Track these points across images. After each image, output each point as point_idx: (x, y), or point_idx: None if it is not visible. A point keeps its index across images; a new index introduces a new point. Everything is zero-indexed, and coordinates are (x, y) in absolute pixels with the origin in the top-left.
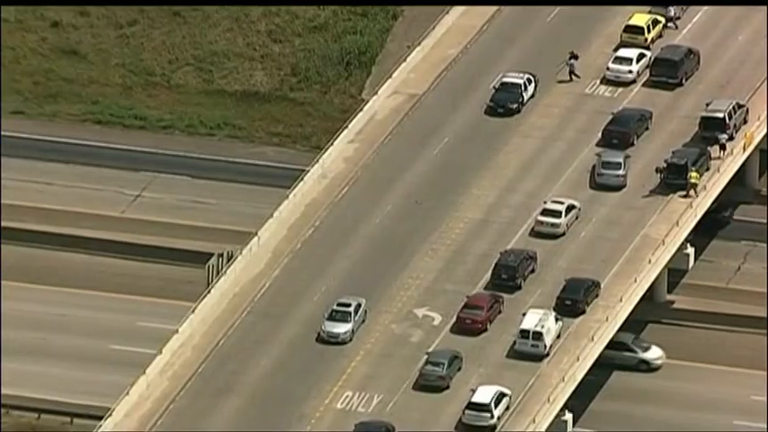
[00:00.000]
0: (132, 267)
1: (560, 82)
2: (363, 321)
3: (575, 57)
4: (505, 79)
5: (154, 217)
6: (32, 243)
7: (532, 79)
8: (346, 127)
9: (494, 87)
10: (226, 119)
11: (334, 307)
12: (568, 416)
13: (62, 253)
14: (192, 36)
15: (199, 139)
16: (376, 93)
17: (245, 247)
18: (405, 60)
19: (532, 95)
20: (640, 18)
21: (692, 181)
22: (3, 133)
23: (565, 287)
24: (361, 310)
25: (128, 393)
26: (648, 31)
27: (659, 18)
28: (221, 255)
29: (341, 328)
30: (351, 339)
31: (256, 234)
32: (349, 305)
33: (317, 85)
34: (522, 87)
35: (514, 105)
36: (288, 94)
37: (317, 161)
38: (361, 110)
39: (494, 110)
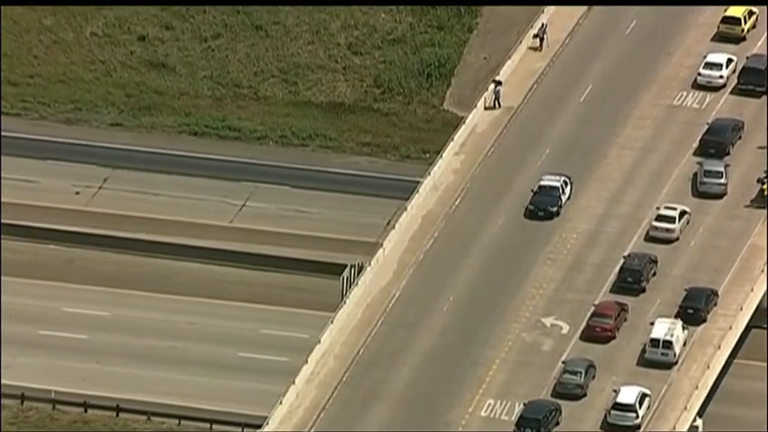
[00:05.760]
0: (246, 276)
1: (487, 108)
2: None
3: (499, 83)
4: (543, 182)
5: (261, 226)
6: (147, 253)
7: (568, 181)
8: (452, 140)
9: (532, 190)
10: (316, 129)
11: None
12: (699, 421)
13: (177, 262)
14: (274, 49)
15: (293, 150)
16: (475, 106)
17: (373, 258)
18: (497, 74)
19: (569, 197)
20: (737, 9)
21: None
22: (103, 144)
23: (686, 296)
24: None
25: (281, 403)
26: (744, 22)
27: (754, 9)
28: (353, 266)
29: None
30: None
31: (381, 245)
32: None
33: (399, 96)
34: (560, 190)
35: (554, 209)
36: (372, 105)
37: (429, 173)
38: (464, 123)
39: (534, 213)
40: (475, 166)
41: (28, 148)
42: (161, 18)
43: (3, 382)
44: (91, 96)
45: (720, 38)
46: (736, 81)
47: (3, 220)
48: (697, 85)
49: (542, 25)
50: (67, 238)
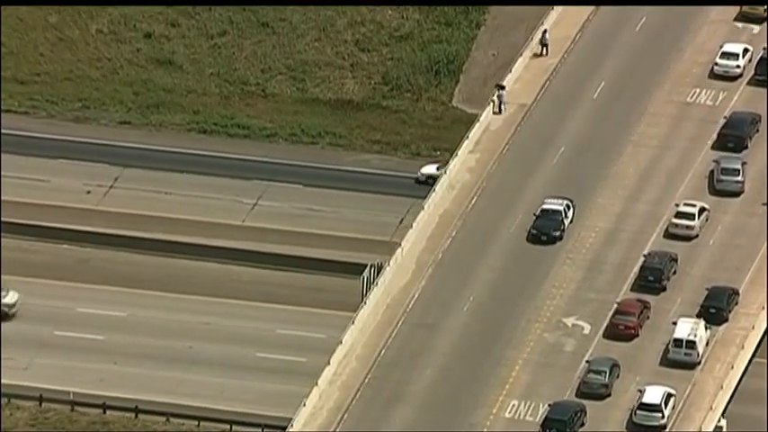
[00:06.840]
0: (262, 275)
1: (495, 114)
2: None
3: (502, 87)
4: (546, 206)
5: (275, 225)
6: (161, 252)
7: (571, 205)
8: (466, 138)
9: (534, 214)
10: (325, 127)
11: None
12: (723, 421)
13: (192, 262)
14: (281, 46)
15: (303, 148)
16: (488, 104)
17: (391, 258)
18: (510, 71)
19: (571, 221)
20: None
21: None
22: (112, 142)
23: (708, 295)
24: None
25: (304, 404)
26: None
27: None
28: (373, 266)
29: None
30: None
31: (399, 245)
32: None
33: (407, 93)
34: (563, 214)
35: (557, 233)
36: (381, 102)
37: (445, 172)
38: (477, 120)
39: (536, 237)
40: (490, 165)
41: (38, 146)
42: (166, 15)
43: (20, 383)
44: (98, 94)
45: (743, 17)
46: (753, 72)
47: (17, 220)
48: (714, 75)
49: (544, 31)
50: (80, 238)
